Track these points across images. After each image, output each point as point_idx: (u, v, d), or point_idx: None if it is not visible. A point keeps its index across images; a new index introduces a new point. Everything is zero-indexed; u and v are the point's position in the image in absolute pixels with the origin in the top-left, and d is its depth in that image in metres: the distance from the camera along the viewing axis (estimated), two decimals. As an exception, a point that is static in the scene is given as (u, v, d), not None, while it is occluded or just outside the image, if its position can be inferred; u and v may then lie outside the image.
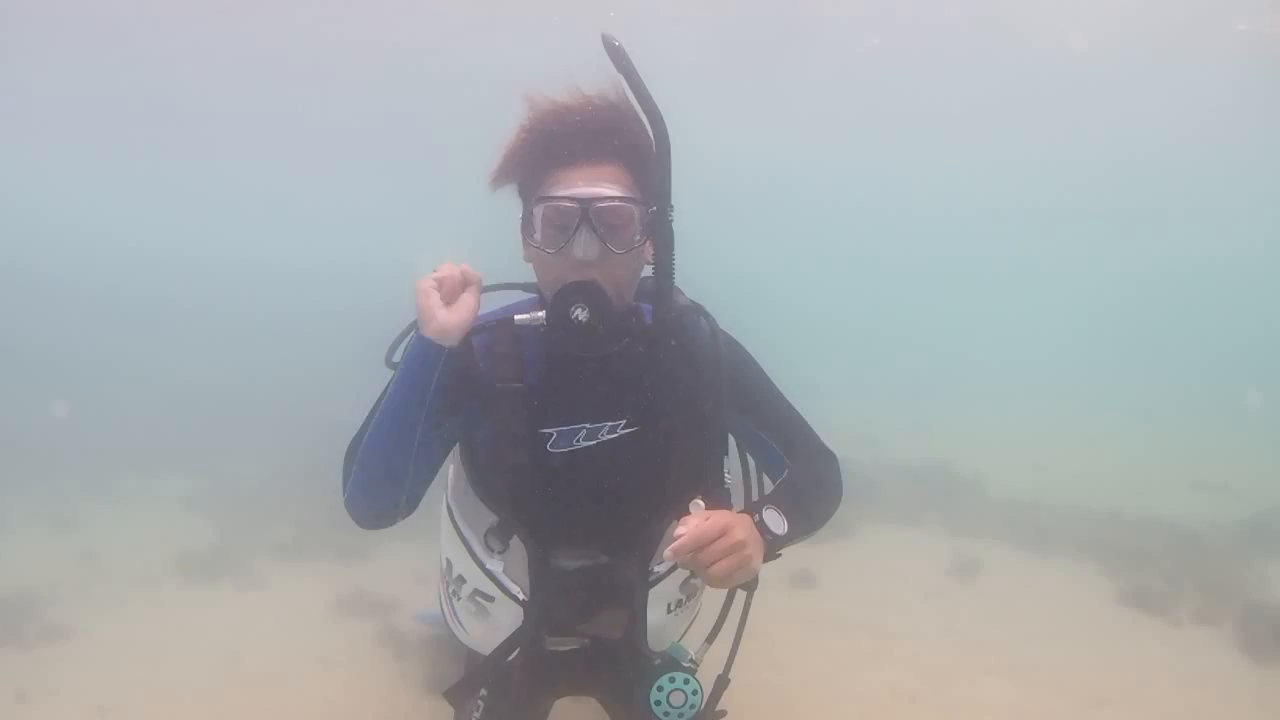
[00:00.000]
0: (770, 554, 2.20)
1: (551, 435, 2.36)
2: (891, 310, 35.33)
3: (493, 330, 2.35)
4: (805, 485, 2.48)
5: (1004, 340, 29.65)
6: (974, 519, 8.96)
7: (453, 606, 2.64)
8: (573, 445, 2.36)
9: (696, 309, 2.48)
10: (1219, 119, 20.77)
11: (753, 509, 2.22)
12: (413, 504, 2.33)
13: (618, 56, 2.10)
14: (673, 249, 2.28)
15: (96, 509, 9.35)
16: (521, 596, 2.43)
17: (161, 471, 10.57)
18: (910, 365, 22.38)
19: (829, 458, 2.59)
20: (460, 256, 2.23)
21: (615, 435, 2.38)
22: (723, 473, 2.43)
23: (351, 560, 7.69)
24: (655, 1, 14.79)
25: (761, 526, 2.17)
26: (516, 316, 2.27)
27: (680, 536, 1.99)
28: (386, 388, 2.30)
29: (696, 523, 2.00)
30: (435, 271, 2.18)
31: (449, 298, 2.14)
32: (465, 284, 2.18)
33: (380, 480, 2.26)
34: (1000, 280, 40.26)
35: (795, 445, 2.55)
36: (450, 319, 2.12)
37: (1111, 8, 15.50)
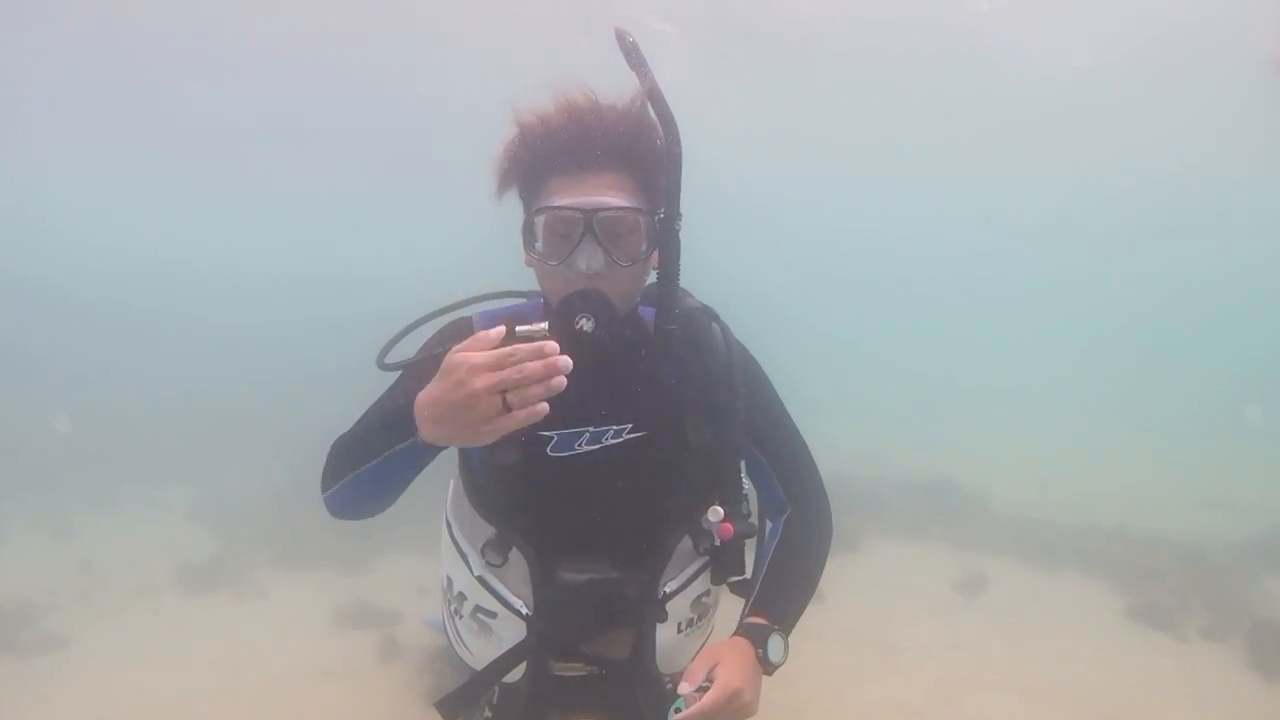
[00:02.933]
0: (766, 675, 2.20)
1: (551, 439, 2.25)
2: (897, 327, 35.44)
3: None
4: (804, 561, 2.43)
5: (1009, 357, 29.75)
6: (980, 534, 8.94)
7: (455, 627, 2.53)
8: (574, 450, 2.25)
9: (708, 313, 2.40)
10: (1225, 138, 20.77)
11: (756, 639, 2.18)
12: (391, 503, 2.31)
13: (631, 52, 2.04)
14: (679, 257, 2.20)
15: (96, 518, 9.33)
16: (525, 611, 2.33)
17: (161, 481, 10.55)
18: (916, 381, 22.42)
19: (825, 502, 2.50)
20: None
21: (620, 440, 2.27)
22: (740, 477, 2.35)
23: (352, 571, 7.66)
24: (656, 20, 14.79)
25: (764, 661, 2.16)
26: (518, 328, 2.18)
27: (689, 703, 2.03)
28: (382, 398, 2.27)
29: (713, 697, 2.02)
30: (500, 354, 1.70)
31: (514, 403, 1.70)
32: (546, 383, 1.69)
33: (366, 504, 2.25)
34: (1005, 298, 40.32)
35: (797, 485, 2.47)
36: (486, 438, 1.75)
37: (1119, 26, 15.52)
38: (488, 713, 2.60)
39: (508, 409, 1.69)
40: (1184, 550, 8.58)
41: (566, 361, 1.68)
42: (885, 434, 14.56)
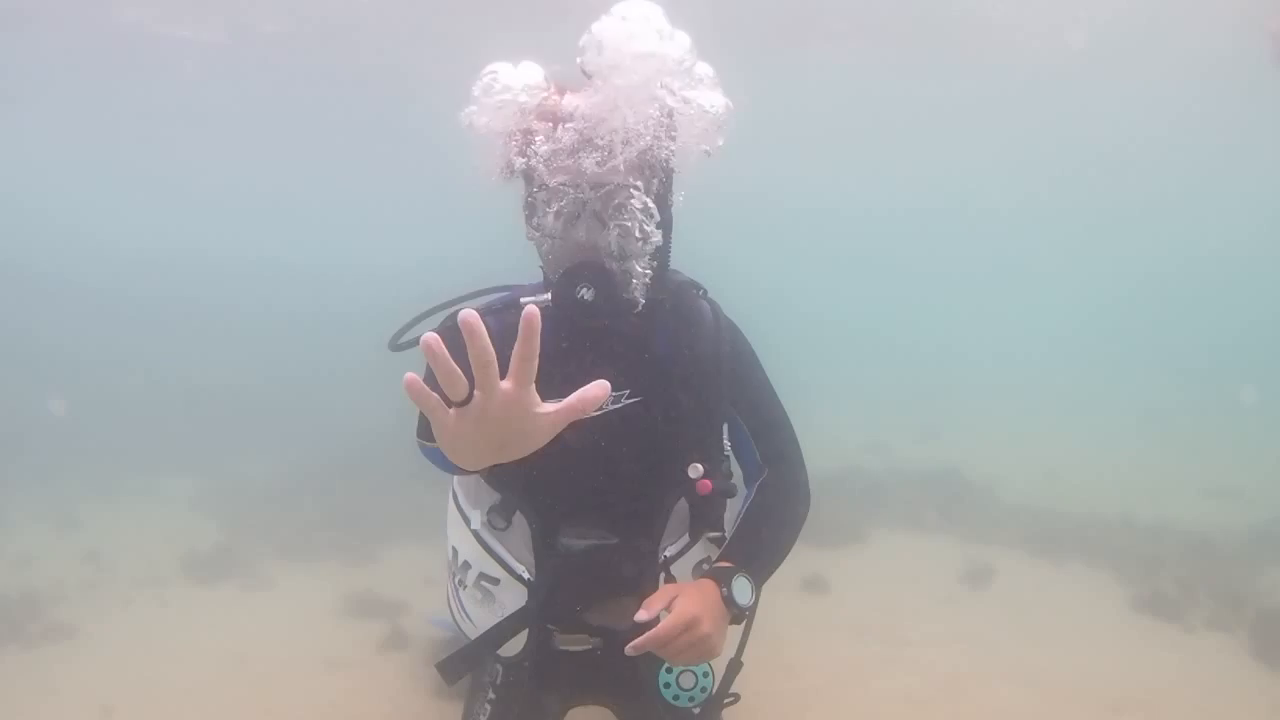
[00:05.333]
0: (735, 623, 2.20)
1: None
2: (901, 317, 35.34)
3: (501, 312, 2.36)
4: (775, 519, 2.47)
5: (1013, 345, 29.64)
6: (986, 525, 8.92)
7: (459, 598, 2.58)
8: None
9: (694, 285, 2.50)
10: (1221, 116, 20.72)
11: (721, 578, 2.20)
12: None
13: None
14: (671, 232, 2.31)
15: (102, 508, 9.33)
16: (526, 576, 2.39)
17: (168, 471, 10.55)
18: (920, 371, 22.36)
19: (801, 469, 2.56)
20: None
21: (620, 405, 2.34)
22: (723, 440, 2.43)
23: (359, 561, 7.67)
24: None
25: (729, 601, 2.16)
26: (522, 299, 2.23)
27: (643, 633, 2.01)
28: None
29: (667, 623, 2.00)
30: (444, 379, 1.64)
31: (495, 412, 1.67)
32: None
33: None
34: (1008, 285, 40.26)
35: (773, 449, 2.54)
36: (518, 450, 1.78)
37: (1109, 5, 15.48)
38: (491, 694, 2.63)
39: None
40: (1189, 540, 8.57)
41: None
42: (889, 425, 14.52)
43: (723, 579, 2.20)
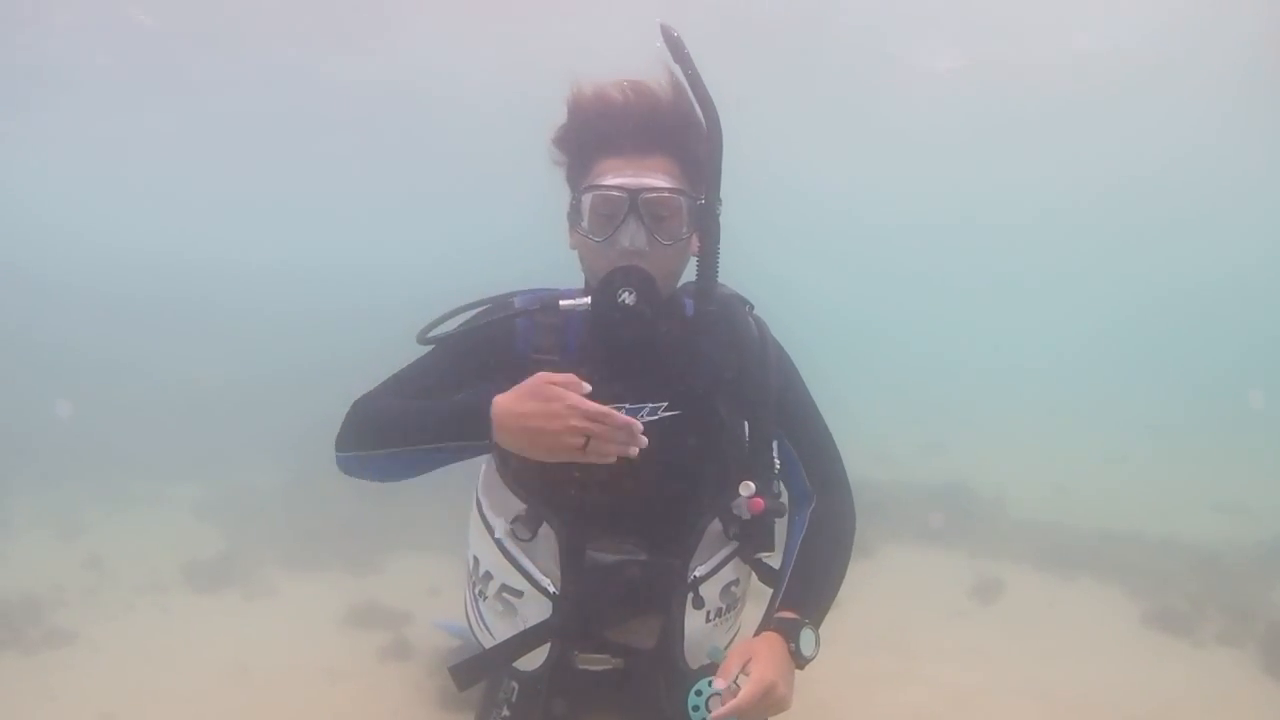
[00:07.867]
0: (798, 668, 2.22)
1: None
2: (908, 327, 35.30)
3: (535, 313, 2.33)
4: (831, 556, 2.46)
5: (1021, 358, 29.61)
6: (995, 539, 8.89)
7: (478, 610, 2.51)
8: None
9: (742, 301, 2.46)
10: (1228, 133, 20.72)
11: (789, 634, 2.20)
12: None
13: (675, 46, 2.11)
14: (718, 242, 2.28)
15: (104, 514, 9.31)
16: (552, 589, 2.32)
17: (171, 477, 10.53)
18: (926, 382, 22.34)
19: (849, 494, 2.55)
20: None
21: (655, 417, 2.28)
22: (772, 457, 2.37)
23: (363, 571, 7.64)
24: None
25: (797, 656, 2.18)
26: (562, 301, 2.25)
27: (725, 698, 2.06)
28: (422, 366, 2.34)
29: (748, 692, 2.04)
30: (600, 411, 1.98)
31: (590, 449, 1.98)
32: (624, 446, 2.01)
33: (395, 476, 2.33)
34: (1016, 298, 40.20)
35: (822, 475, 2.51)
36: (555, 459, 2.04)
37: (1125, 20, 15.51)
38: (505, 711, 2.58)
39: (582, 447, 1.96)
40: (1198, 555, 8.54)
41: (644, 440, 1.97)
42: (895, 436, 14.50)
43: (790, 634, 2.20)
